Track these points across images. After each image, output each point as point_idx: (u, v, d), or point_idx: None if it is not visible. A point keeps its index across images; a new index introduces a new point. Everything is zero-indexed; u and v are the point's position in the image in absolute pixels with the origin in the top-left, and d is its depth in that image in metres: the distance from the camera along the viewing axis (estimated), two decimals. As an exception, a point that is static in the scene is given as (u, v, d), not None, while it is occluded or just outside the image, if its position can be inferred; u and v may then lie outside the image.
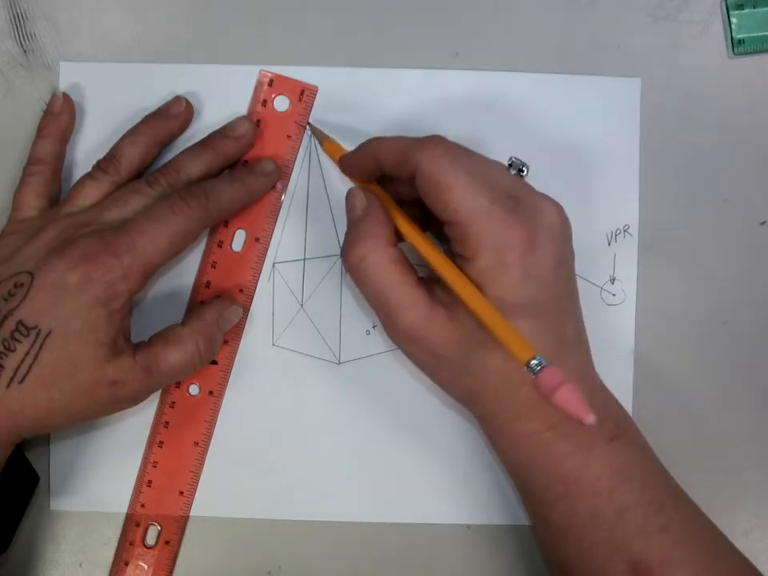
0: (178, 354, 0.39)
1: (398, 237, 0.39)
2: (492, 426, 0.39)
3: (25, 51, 0.44)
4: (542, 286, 0.36)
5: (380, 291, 0.38)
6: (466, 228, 0.36)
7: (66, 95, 0.43)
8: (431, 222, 0.40)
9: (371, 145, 0.39)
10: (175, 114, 0.43)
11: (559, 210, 0.38)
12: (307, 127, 0.44)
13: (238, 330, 0.44)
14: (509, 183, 0.38)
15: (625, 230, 0.45)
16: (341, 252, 0.39)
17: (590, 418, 0.31)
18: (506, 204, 0.36)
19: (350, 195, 0.40)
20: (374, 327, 0.45)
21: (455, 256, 0.37)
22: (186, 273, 0.44)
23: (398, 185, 0.40)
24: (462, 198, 0.36)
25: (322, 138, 0.43)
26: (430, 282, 0.38)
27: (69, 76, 0.44)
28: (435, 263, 0.37)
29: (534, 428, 0.37)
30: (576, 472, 0.37)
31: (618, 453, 0.37)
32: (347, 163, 0.41)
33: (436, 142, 0.37)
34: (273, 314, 0.44)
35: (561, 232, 0.38)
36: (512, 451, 0.38)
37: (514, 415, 0.37)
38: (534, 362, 0.33)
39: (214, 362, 0.44)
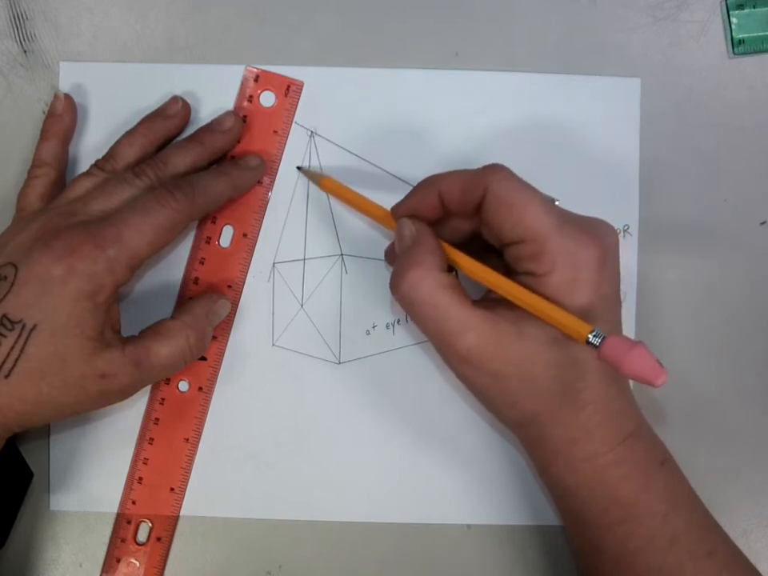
0: (169, 347, 0.39)
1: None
2: (547, 451, 0.38)
3: (25, 51, 0.44)
4: (607, 305, 0.37)
5: (434, 318, 0.36)
6: (543, 244, 0.36)
7: (67, 95, 0.43)
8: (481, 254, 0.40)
9: (429, 182, 0.39)
10: (172, 114, 0.43)
11: (615, 231, 0.38)
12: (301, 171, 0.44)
13: (227, 326, 0.44)
14: (560, 208, 0.38)
15: (625, 230, 0.45)
16: (389, 283, 0.38)
17: (664, 377, 0.33)
18: (575, 223, 0.36)
19: (399, 225, 0.39)
20: (373, 327, 0.45)
21: (522, 275, 0.37)
22: (174, 269, 0.44)
23: (444, 226, 0.40)
24: (536, 215, 0.36)
25: (318, 177, 0.43)
26: (489, 302, 0.38)
27: (69, 76, 0.44)
28: (483, 274, 0.37)
29: (593, 451, 0.37)
30: (634, 495, 0.37)
31: (668, 476, 0.38)
32: (403, 209, 0.40)
33: (500, 167, 0.37)
34: (273, 314, 0.44)
35: (617, 252, 0.38)
36: (568, 477, 0.38)
37: (571, 439, 0.37)
38: (592, 335, 0.34)
39: (204, 358, 0.44)
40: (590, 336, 0.34)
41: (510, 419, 0.39)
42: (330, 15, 0.44)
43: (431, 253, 0.37)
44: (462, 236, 0.40)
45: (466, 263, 0.38)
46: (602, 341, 0.34)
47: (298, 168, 0.44)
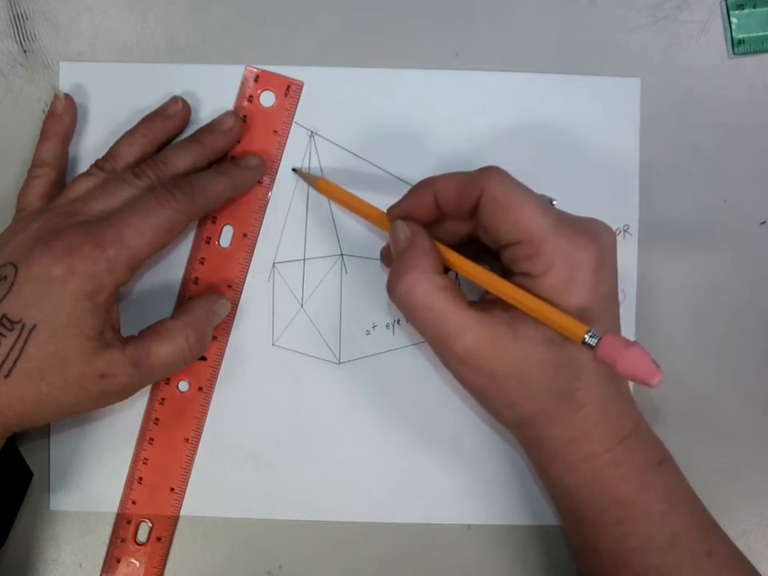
0: (169, 347, 0.39)
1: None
2: (545, 451, 0.38)
3: (25, 51, 0.44)
4: (604, 305, 0.37)
5: (431, 320, 0.37)
6: (539, 245, 0.36)
7: (67, 95, 0.43)
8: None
9: (426, 184, 0.39)
10: (172, 114, 0.43)
11: (613, 231, 0.38)
12: (296, 172, 0.44)
13: (226, 326, 0.44)
14: (556, 209, 0.38)
15: (625, 230, 0.45)
16: (386, 285, 0.38)
17: (659, 377, 0.33)
18: (571, 224, 0.37)
19: (393, 228, 0.39)
20: (373, 327, 0.45)
21: (518, 276, 0.37)
22: (174, 269, 0.44)
23: (441, 228, 0.40)
24: (532, 217, 0.36)
25: (312, 179, 0.43)
26: (486, 303, 0.38)
27: (69, 76, 0.44)
28: (477, 274, 0.37)
29: (591, 451, 0.37)
30: (632, 496, 0.37)
31: (667, 476, 0.38)
32: (399, 210, 0.40)
33: (497, 169, 0.37)
34: (273, 314, 0.44)
35: (615, 253, 0.38)
36: (566, 477, 0.38)
37: (569, 439, 0.37)
38: (588, 335, 0.34)
39: (204, 358, 0.44)
40: (586, 336, 0.34)
41: (508, 420, 0.39)
42: (330, 15, 0.44)
43: (426, 255, 0.37)
44: (459, 238, 0.40)
45: (461, 263, 0.38)
46: (598, 341, 0.34)
47: (294, 170, 0.44)
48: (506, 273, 0.38)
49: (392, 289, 0.38)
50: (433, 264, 0.37)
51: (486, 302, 0.38)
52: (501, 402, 0.38)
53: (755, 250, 0.45)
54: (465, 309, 0.36)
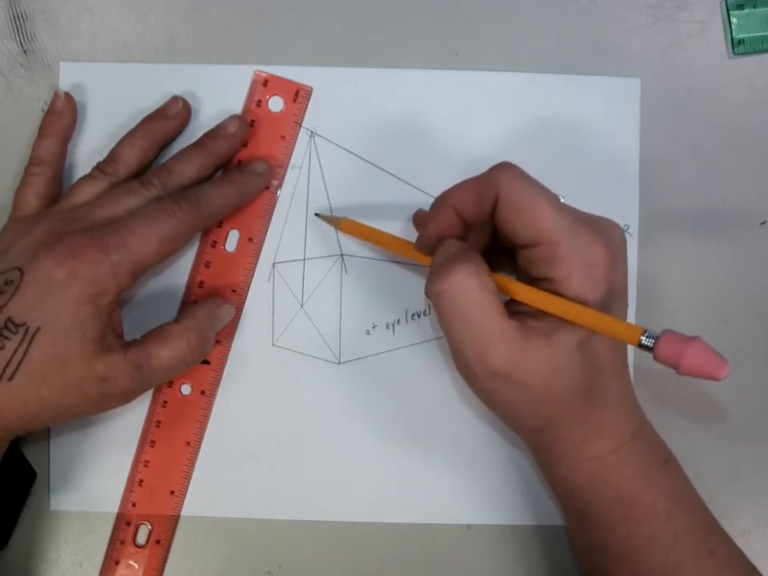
0: (170, 351, 0.39)
1: None
2: (554, 452, 0.38)
3: (25, 51, 0.44)
4: (616, 302, 0.37)
5: (473, 322, 0.35)
6: (556, 247, 0.35)
7: (67, 94, 0.43)
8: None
9: (442, 201, 0.38)
10: (172, 114, 0.43)
11: (621, 229, 0.38)
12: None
13: (230, 330, 0.44)
14: (570, 206, 0.37)
15: (625, 230, 0.45)
16: (426, 283, 0.36)
17: (727, 368, 0.32)
18: (585, 221, 0.36)
19: (443, 247, 0.37)
20: (373, 327, 0.45)
21: (540, 281, 0.36)
22: (179, 272, 0.44)
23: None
24: (548, 217, 0.35)
25: (336, 221, 0.43)
26: (518, 314, 0.37)
27: (69, 76, 0.44)
28: (528, 294, 0.36)
29: (599, 451, 0.37)
30: (636, 495, 0.37)
31: (670, 476, 0.38)
32: (428, 240, 0.38)
33: (508, 166, 0.37)
34: (273, 314, 0.44)
35: (626, 250, 0.38)
36: (573, 477, 0.38)
37: (581, 439, 0.37)
38: (644, 337, 0.33)
39: (207, 362, 0.44)
40: (642, 338, 0.33)
41: (526, 427, 0.39)
42: (330, 15, 0.44)
43: (477, 259, 0.36)
44: (485, 245, 0.39)
45: (511, 286, 0.36)
46: (655, 341, 0.33)
47: (316, 215, 0.44)
48: (523, 274, 0.37)
49: (440, 278, 0.35)
50: (485, 268, 0.36)
51: (518, 314, 0.37)
52: (523, 410, 0.37)
53: (755, 250, 0.45)
54: (505, 317, 0.35)
